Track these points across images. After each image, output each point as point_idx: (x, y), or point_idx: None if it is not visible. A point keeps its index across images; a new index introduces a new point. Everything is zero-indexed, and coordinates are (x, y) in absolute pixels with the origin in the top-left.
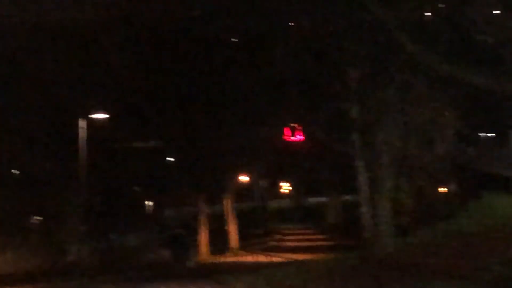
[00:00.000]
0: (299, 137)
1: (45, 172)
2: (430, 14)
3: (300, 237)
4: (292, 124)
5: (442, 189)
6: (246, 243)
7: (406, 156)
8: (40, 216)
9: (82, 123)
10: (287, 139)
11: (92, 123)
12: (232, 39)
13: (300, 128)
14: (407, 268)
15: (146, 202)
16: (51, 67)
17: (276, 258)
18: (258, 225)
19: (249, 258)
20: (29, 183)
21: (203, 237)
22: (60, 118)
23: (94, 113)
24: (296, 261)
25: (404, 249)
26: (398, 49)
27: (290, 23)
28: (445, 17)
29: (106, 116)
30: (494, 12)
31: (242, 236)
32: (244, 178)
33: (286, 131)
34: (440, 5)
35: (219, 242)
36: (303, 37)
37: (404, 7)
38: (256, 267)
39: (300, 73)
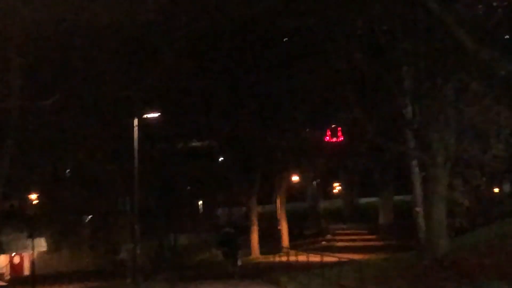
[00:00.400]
0: (340, 138)
1: (99, 171)
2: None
3: (352, 237)
4: (333, 126)
5: (497, 189)
6: (297, 243)
7: (461, 156)
8: (93, 215)
9: (135, 122)
10: (329, 140)
11: (146, 122)
12: (284, 39)
13: (339, 129)
14: (463, 269)
15: (199, 202)
16: (106, 67)
17: (329, 258)
18: (310, 225)
19: (301, 258)
20: (84, 182)
21: (254, 236)
22: (115, 117)
23: (148, 113)
24: (350, 261)
25: (459, 250)
26: (456, 47)
27: (346, 22)
28: (503, 13)
29: (159, 115)
30: None
31: (293, 236)
32: (295, 178)
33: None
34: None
35: (270, 242)
36: (359, 36)
37: (461, 3)
38: (308, 267)
39: (355, 73)
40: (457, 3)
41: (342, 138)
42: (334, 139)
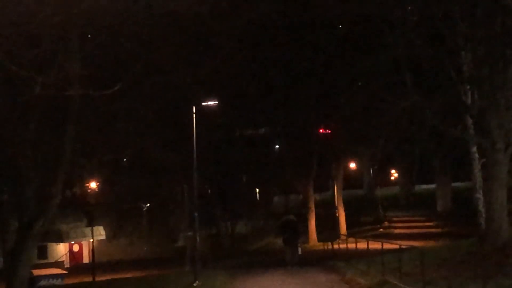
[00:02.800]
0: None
1: (158, 160)
2: None
3: (410, 224)
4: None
5: None
6: (355, 230)
7: None
8: (151, 203)
9: (194, 110)
10: (322, 131)
11: (204, 110)
12: (340, 26)
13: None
14: None
15: (256, 190)
16: (165, 56)
17: (387, 245)
18: (367, 212)
19: (360, 245)
20: (142, 170)
21: (312, 224)
22: (174, 106)
23: (206, 101)
24: (410, 247)
25: None
26: None
27: (402, 7)
28: None
29: (217, 103)
30: None
31: (351, 223)
32: (352, 165)
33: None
34: None
35: (327, 229)
36: (416, 22)
37: None
38: (367, 254)
39: (414, 58)
40: None
41: (330, 131)
42: (325, 131)
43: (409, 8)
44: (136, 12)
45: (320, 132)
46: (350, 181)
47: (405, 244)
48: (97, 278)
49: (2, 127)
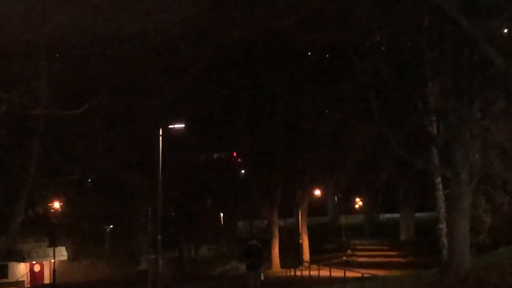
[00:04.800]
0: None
1: (122, 181)
2: None
3: (373, 252)
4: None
5: None
6: (318, 257)
7: (485, 174)
8: (115, 225)
9: (160, 133)
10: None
11: (171, 133)
12: (308, 53)
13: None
14: (487, 287)
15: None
16: (133, 77)
17: (350, 273)
18: (330, 239)
19: (322, 272)
20: (107, 191)
21: (275, 249)
22: (141, 128)
23: (172, 124)
24: (372, 276)
25: (482, 268)
26: (483, 64)
27: (371, 36)
28: None
29: (184, 126)
30: None
31: (314, 250)
32: (317, 193)
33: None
34: None
35: (291, 255)
36: (384, 51)
37: (493, 21)
38: (329, 282)
39: (380, 87)
40: (487, 19)
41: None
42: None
43: (378, 37)
44: (105, 33)
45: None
46: (315, 208)
47: (367, 272)
48: None
49: None
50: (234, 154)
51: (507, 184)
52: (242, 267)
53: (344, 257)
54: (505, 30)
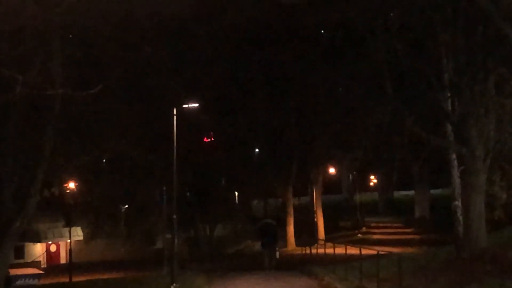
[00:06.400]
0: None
1: (137, 162)
2: None
3: (388, 230)
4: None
5: None
6: (333, 235)
7: (500, 150)
8: (130, 205)
9: (174, 112)
10: (205, 140)
11: (185, 113)
12: (323, 31)
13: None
14: (503, 263)
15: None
16: (148, 57)
17: (365, 251)
18: (345, 217)
19: (338, 250)
20: (122, 172)
21: (290, 228)
22: (155, 108)
23: (186, 103)
24: (388, 254)
25: (498, 244)
26: (498, 40)
27: (384, 14)
28: None
29: (198, 105)
30: None
31: (329, 228)
32: (332, 171)
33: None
34: None
35: (305, 234)
36: (397, 28)
37: None
38: (345, 260)
39: (394, 65)
40: None
41: (213, 139)
42: (208, 139)
43: (391, 15)
44: (119, 14)
45: (204, 141)
46: (329, 186)
47: (383, 250)
48: (74, 279)
49: None
50: (205, 138)
51: None
52: (257, 245)
53: (359, 235)
54: None
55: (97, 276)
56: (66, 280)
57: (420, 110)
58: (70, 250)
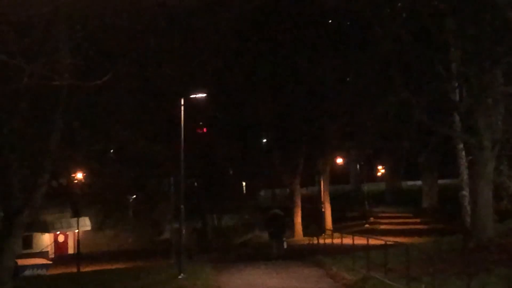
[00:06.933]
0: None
1: (145, 152)
2: None
3: (395, 220)
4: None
5: None
6: (341, 225)
7: (508, 140)
8: (138, 195)
9: (182, 102)
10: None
11: (191, 104)
12: (330, 21)
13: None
14: (510, 253)
15: (243, 183)
16: (154, 48)
17: (373, 241)
18: (353, 207)
19: (345, 240)
20: (129, 162)
21: (298, 218)
22: (162, 98)
23: (194, 94)
24: (395, 244)
25: (506, 234)
26: (506, 29)
27: (392, 3)
28: None
29: (205, 95)
30: None
31: (337, 218)
32: (339, 161)
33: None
34: None
35: (313, 224)
36: (404, 17)
37: None
38: (352, 250)
39: (402, 55)
40: None
41: (206, 130)
42: (201, 131)
43: (399, 4)
44: (125, 4)
45: (198, 132)
46: (337, 176)
47: (390, 240)
48: (82, 269)
49: None
50: (198, 130)
51: None
52: (265, 235)
53: (366, 225)
54: None
55: (104, 266)
56: (74, 270)
57: (427, 99)
58: (78, 240)
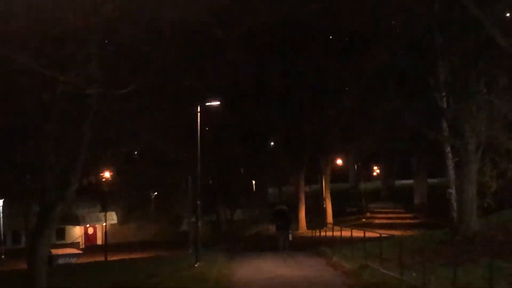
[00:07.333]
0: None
1: (165, 153)
2: None
3: (389, 215)
4: None
5: None
6: (340, 219)
7: (490, 143)
8: (159, 192)
9: (198, 109)
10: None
11: (207, 110)
12: (331, 37)
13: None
14: (493, 245)
15: (253, 182)
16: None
17: (369, 234)
18: (351, 203)
19: (344, 233)
20: (151, 162)
21: (302, 213)
22: (181, 105)
23: (209, 101)
24: (389, 236)
25: (488, 228)
26: (488, 44)
27: (387, 21)
28: None
29: (218, 103)
30: None
31: (337, 213)
32: (339, 161)
33: None
34: None
35: (315, 218)
36: (398, 34)
37: (497, 5)
38: (351, 241)
39: (395, 67)
40: (492, 4)
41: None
42: None
43: (393, 22)
44: (149, 21)
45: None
46: (337, 175)
47: (385, 233)
48: (109, 258)
49: (28, 121)
50: None
51: (511, 152)
52: (272, 228)
53: (363, 219)
54: (507, 14)
55: (129, 256)
56: (102, 259)
57: (418, 107)
58: (106, 232)
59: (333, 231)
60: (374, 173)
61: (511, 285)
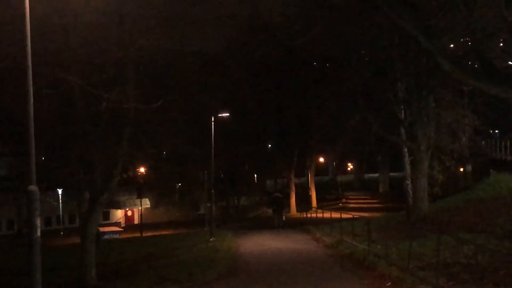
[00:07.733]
0: None
1: (186, 153)
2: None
3: (360, 201)
4: None
5: (462, 169)
6: (322, 204)
7: (438, 145)
8: (182, 183)
9: (212, 119)
10: None
11: (219, 120)
12: (315, 63)
13: None
14: (440, 223)
15: (254, 175)
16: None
17: (344, 215)
18: (330, 192)
19: (325, 215)
20: (176, 160)
21: (292, 199)
22: (198, 116)
23: (220, 113)
24: (360, 217)
25: (436, 211)
26: (436, 68)
27: (358, 51)
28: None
29: (228, 114)
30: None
31: (319, 199)
32: (321, 159)
33: None
34: (465, 39)
35: (302, 203)
36: (367, 60)
37: (443, 38)
38: (330, 221)
39: (364, 86)
40: (440, 37)
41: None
42: None
43: (362, 52)
44: (174, 50)
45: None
46: (320, 170)
47: (356, 214)
48: (144, 234)
49: (81, 128)
50: None
51: (453, 152)
52: (269, 211)
53: (340, 204)
54: (451, 45)
55: (159, 232)
56: (138, 235)
57: (382, 117)
58: (141, 214)
59: (316, 213)
60: (348, 168)
61: (453, 254)
